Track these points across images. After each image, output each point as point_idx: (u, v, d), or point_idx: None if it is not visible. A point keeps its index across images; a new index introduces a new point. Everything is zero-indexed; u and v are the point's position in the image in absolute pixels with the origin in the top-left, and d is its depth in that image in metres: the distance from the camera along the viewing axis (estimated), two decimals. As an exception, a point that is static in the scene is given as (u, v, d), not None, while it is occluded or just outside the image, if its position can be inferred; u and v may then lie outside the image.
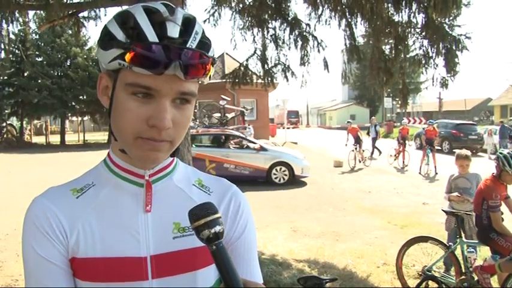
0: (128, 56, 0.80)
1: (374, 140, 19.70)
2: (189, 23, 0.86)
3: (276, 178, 12.80)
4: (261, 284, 0.97)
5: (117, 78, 0.87)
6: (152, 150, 0.88)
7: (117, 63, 0.83)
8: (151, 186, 0.97)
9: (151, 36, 0.81)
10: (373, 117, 23.37)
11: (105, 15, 6.70)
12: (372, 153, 19.28)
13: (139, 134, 0.86)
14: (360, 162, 16.65)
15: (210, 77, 0.89)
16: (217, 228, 0.80)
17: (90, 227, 0.92)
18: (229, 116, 16.44)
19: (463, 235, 4.76)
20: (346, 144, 17.27)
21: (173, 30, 0.83)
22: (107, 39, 0.86)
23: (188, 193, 1.01)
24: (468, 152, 5.62)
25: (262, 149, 13.06)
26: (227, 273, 0.78)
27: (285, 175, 12.84)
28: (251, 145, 13.23)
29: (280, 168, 12.84)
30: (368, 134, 20.65)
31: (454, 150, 14.97)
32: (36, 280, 0.90)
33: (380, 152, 19.41)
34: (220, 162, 12.64)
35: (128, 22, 0.84)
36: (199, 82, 0.90)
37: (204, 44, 0.87)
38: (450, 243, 4.76)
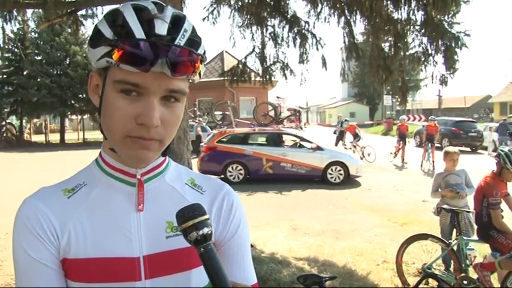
0: (115, 54, 0.80)
1: (341, 134, 19.21)
2: (178, 21, 0.85)
3: (331, 178, 12.69)
4: (250, 286, 0.97)
5: (106, 76, 0.87)
6: (141, 149, 0.87)
7: (105, 60, 0.83)
8: (143, 185, 0.96)
9: (139, 33, 0.81)
10: (339, 114, 22.99)
11: (103, 13, 6.69)
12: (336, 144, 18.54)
13: (129, 133, 0.86)
14: (361, 159, 16.66)
15: (200, 75, 0.89)
16: (205, 230, 0.79)
17: (82, 227, 0.91)
18: (285, 114, 16.42)
19: (454, 231, 4.75)
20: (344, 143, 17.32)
21: (161, 28, 0.82)
22: (95, 37, 0.85)
23: (181, 192, 1.00)
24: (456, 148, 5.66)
25: (318, 148, 13.02)
26: (216, 275, 0.78)
27: (340, 175, 12.72)
28: (307, 144, 13.17)
29: (336, 168, 12.73)
30: (335, 132, 19.98)
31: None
32: (27, 281, 0.89)
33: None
34: (277, 161, 12.64)
35: (117, 20, 0.83)
36: (190, 80, 0.89)
37: (194, 41, 0.86)
38: (450, 241, 4.76)
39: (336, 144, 18.43)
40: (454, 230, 4.99)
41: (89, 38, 0.90)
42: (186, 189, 1.01)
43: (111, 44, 0.81)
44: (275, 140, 13.38)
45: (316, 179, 12.77)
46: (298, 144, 13.32)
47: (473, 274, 4.50)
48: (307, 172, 12.77)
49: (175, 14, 0.86)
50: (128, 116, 0.84)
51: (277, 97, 16.20)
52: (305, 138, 13.62)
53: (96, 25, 0.88)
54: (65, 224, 0.91)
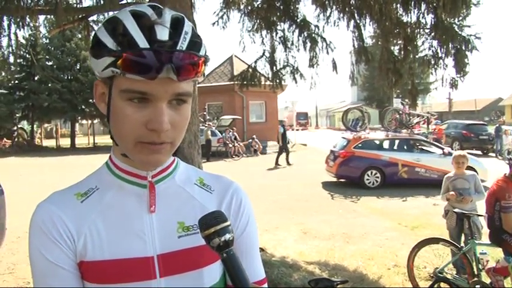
0: (120, 63, 0.81)
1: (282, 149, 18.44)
2: (178, 24, 0.86)
3: None
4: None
5: (112, 85, 0.88)
6: (153, 153, 0.90)
7: (110, 70, 0.84)
8: (154, 187, 0.98)
9: (142, 41, 0.82)
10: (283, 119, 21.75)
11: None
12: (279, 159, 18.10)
13: (139, 139, 0.88)
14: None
15: (203, 75, 0.90)
16: (227, 236, 0.82)
17: (97, 231, 0.93)
18: (415, 120, 16.48)
19: (462, 236, 4.73)
20: None
21: (162, 33, 0.83)
22: (97, 47, 0.86)
23: (190, 192, 1.03)
24: (464, 152, 5.71)
25: (449, 153, 12.97)
26: (239, 280, 0.81)
27: None
28: (438, 150, 13.29)
29: None
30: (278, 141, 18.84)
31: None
32: (45, 284, 0.91)
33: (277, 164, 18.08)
34: (412, 166, 12.70)
35: (117, 29, 0.84)
36: (194, 81, 0.91)
37: (195, 43, 0.87)
38: (462, 245, 4.72)
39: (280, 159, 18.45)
40: (463, 234, 4.99)
41: (90, 47, 0.90)
42: (196, 189, 1.04)
43: (115, 55, 0.82)
44: (408, 145, 13.46)
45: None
46: (427, 149, 13.42)
47: (486, 279, 4.46)
48: (439, 177, 12.72)
49: (174, 17, 0.87)
50: (137, 123, 0.86)
51: (402, 103, 16.19)
52: (436, 144, 13.80)
53: (95, 34, 0.89)
54: (80, 227, 0.93)
